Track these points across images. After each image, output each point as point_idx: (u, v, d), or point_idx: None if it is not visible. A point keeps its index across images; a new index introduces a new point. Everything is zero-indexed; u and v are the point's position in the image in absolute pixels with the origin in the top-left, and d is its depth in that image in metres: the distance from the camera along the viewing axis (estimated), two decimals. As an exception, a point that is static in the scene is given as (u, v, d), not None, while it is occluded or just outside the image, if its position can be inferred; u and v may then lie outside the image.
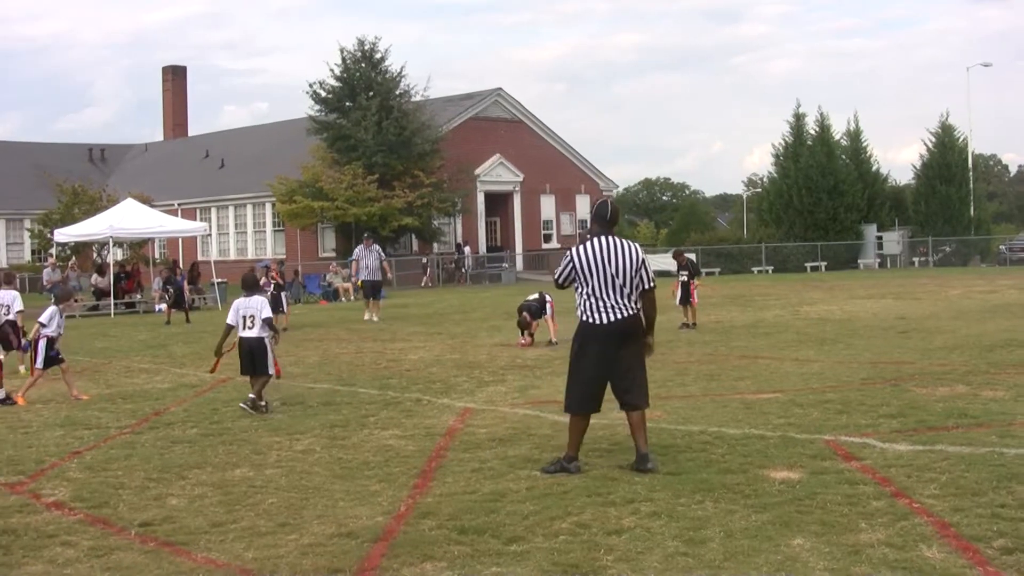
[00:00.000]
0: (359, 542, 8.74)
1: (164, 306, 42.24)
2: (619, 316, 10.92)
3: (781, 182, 76.82)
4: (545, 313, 23.99)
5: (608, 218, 11.22)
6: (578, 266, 11.00)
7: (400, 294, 52.79)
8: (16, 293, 16.38)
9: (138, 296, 46.28)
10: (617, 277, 10.92)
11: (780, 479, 10.43)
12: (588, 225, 11.59)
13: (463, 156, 67.67)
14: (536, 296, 24.36)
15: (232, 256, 75.48)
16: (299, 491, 10.68)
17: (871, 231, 74.04)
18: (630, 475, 10.84)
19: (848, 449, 11.68)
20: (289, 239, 71.85)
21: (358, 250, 37.33)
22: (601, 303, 10.92)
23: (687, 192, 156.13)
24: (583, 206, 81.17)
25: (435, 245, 68.86)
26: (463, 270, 67.86)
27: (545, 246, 77.98)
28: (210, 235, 67.64)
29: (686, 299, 27.63)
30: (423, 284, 62.96)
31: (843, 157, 77.58)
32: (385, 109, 63.94)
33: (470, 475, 11.14)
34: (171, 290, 40.29)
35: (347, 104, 65.41)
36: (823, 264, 68.77)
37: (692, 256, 32.58)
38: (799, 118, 77.48)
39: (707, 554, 8.12)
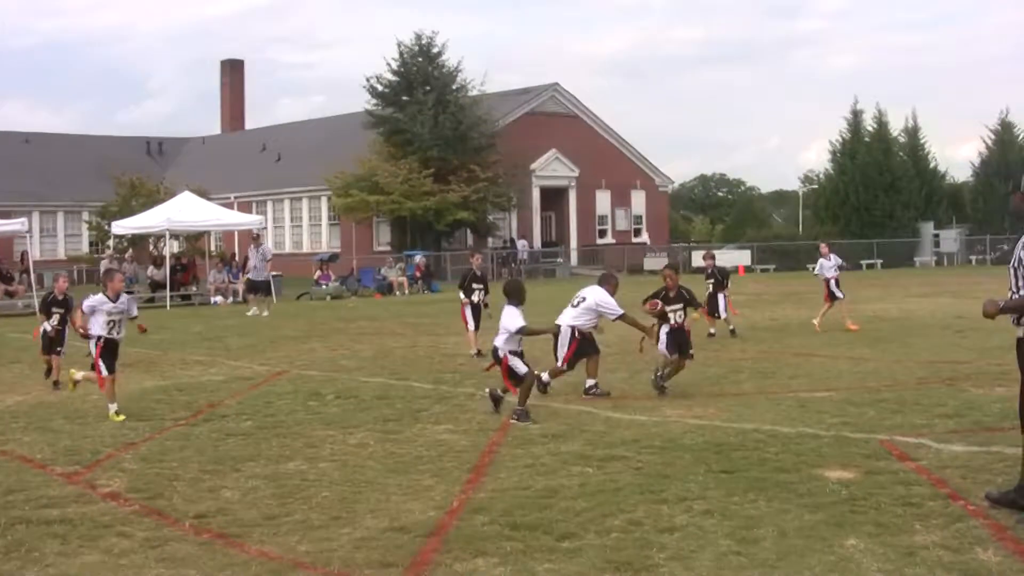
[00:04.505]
0: (411, 536, 8.76)
1: (220, 299, 42.63)
2: None
3: (838, 179, 76.51)
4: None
5: None
6: None
7: (456, 288, 52.87)
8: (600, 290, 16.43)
9: (193, 288, 46.61)
10: None
11: (834, 479, 10.37)
12: (1018, 205, 9.61)
13: (519, 151, 67.55)
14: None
15: (288, 249, 75.87)
16: (352, 485, 10.71)
17: (928, 229, 73.57)
18: (683, 472, 10.81)
19: (903, 449, 11.60)
20: (344, 233, 72.06)
21: (250, 250, 39.42)
22: None
23: (743, 188, 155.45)
24: (638, 201, 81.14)
25: (490, 240, 68.82)
26: (513, 265, 67.79)
27: (600, 241, 77.93)
28: (266, 228, 67.80)
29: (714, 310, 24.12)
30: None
31: (901, 154, 77.16)
32: (441, 103, 64.10)
33: (523, 471, 11.14)
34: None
35: (404, 98, 65.63)
36: (879, 262, 68.30)
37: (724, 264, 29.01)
38: (856, 114, 77.24)
39: (760, 553, 8.09)
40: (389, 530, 8.98)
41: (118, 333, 15.71)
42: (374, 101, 66.74)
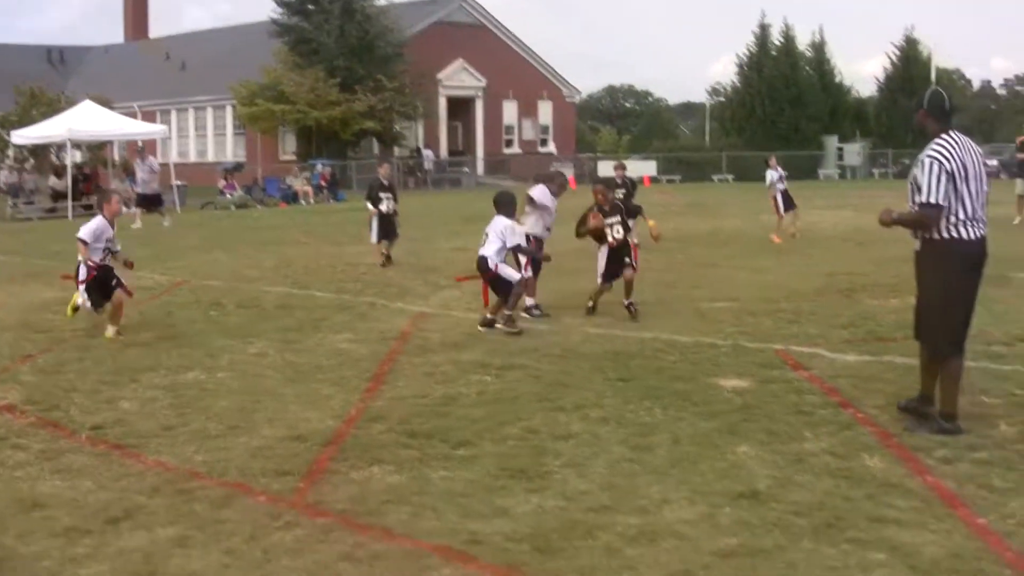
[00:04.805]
0: (308, 445, 8.80)
1: (123, 208, 42.02)
2: (985, 232, 8.96)
3: (744, 92, 76.92)
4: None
5: (948, 109, 9.07)
6: (954, 171, 8.73)
7: (361, 198, 52.66)
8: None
9: (96, 198, 45.90)
10: (978, 181, 8.86)
11: (729, 387, 10.53)
12: (921, 122, 9.14)
13: (426, 60, 67.18)
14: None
15: (192, 159, 75.03)
16: (250, 394, 10.71)
17: (832, 142, 74.12)
18: (581, 381, 10.92)
19: (797, 359, 11.78)
20: (249, 142, 71.51)
21: (136, 164, 38.18)
22: (971, 213, 8.80)
23: (650, 99, 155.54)
24: (545, 112, 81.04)
25: (396, 149, 68.50)
26: (419, 174, 67.53)
27: (506, 151, 77.81)
28: (170, 138, 66.87)
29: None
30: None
31: (807, 68, 77.64)
32: (348, 12, 63.55)
33: (422, 379, 11.20)
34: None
35: (309, 7, 64.96)
36: (784, 174, 68.55)
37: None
38: (764, 28, 77.48)
39: (653, 460, 8.22)
40: (286, 439, 9.01)
41: (111, 262, 14.46)
42: (280, 10, 66.00)
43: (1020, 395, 9.97)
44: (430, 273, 20.15)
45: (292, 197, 50.26)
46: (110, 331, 14.08)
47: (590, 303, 15.21)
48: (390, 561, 6.44)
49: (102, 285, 14.23)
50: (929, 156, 8.80)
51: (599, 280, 15.15)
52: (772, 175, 26.52)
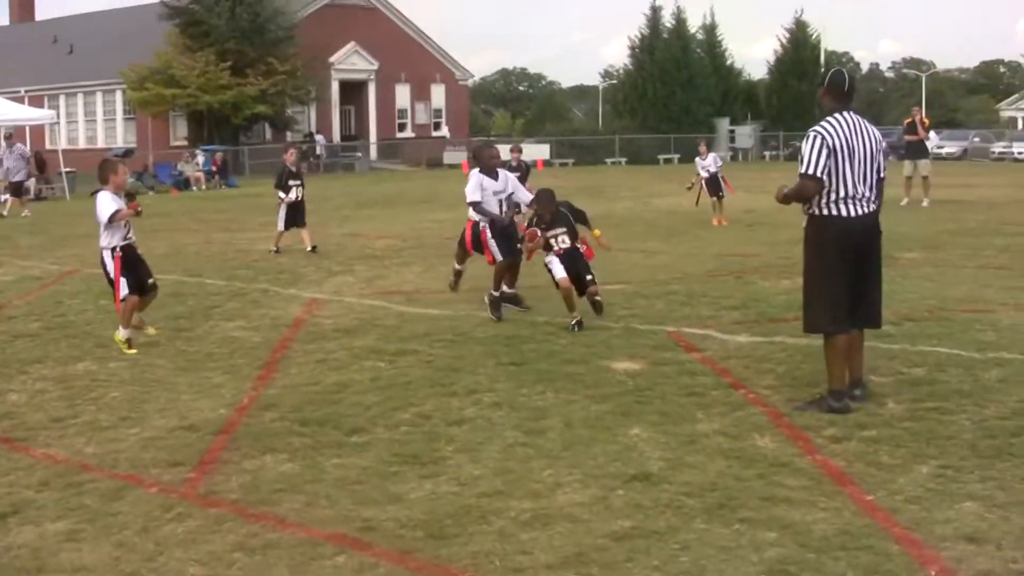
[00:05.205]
0: (200, 435, 8.75)
1: (8, 197, 41.40)
2: (869, 209, 9.15)
3: (637, 74, 77.03)
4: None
5: (847, 90, 9.16)
6: (836, 148, 8.89)
7: (253, 183, 52.15)
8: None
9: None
10: (865, 163, 9.04)
11: (621, 370, 10.61)
12: (821, 100, 9.35)
13: (318, 44, 66.68)
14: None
15: (82, 145, 73.92)
16: (142, 384, 10.61)
17: (724, 125, 74.61)
18: (473, 365, 10.95)
19: (690, 340, 11.89)
20: (140, 128, 70.54)
21: (3, 153, 37.35)
22: (852, 192, 8.98)
23: (544, 83, 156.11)
24: (438, 95, 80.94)
25: (288, 134, 68.02)
26: (311, 160, 67.00)
27: (399, 135, 77.60)
28: (58, 123, 65.93)
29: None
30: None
31: (698, 51, 78.04)
32: (239, -5, 62.93)
33: (314, 366, 11.17)
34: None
35: (200, -11, 64.19)
36: (676, 156, 69.10)
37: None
38: (655, 10, 77.64)
39: (546, 444, 8.26)
40: (178, 429, 8.95)
41: (134, 236, 12.76)
42: (170, -9, 65.21)
43: (907, 373, 10.16)
44: (323, 259, 20.07)
45: (184, 183, 49.76)
46: (150, 330, 12.94)
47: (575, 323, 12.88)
48: (283, 550, 6.42)
49: (134, 265, 12.54)
50: (815, 130, 9.01)
51: (562, 283, 13.09)
52: (698, 161, 26.38)
